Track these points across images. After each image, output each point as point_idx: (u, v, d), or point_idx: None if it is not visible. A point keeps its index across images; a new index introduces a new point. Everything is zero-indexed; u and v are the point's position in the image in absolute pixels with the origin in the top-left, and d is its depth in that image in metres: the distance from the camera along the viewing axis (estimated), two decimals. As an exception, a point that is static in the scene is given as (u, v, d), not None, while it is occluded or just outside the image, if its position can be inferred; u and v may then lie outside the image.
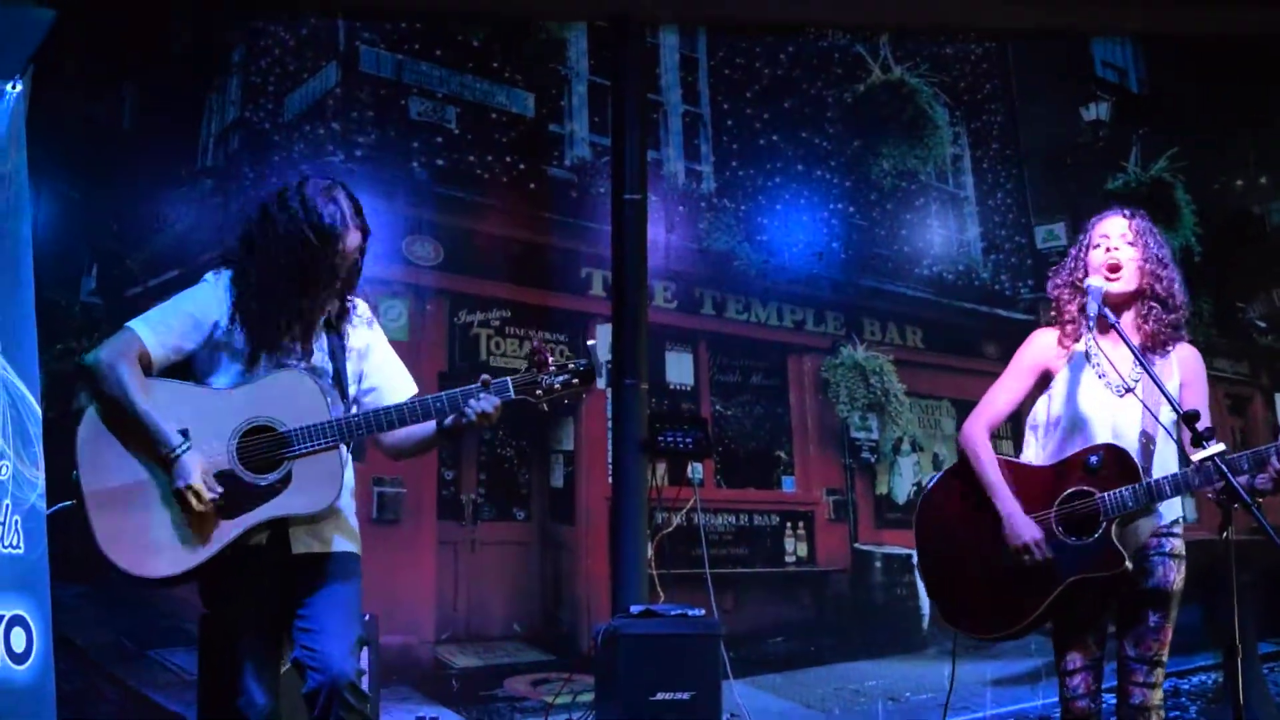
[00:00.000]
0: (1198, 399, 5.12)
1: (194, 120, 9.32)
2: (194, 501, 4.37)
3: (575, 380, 4.61)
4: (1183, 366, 5.15)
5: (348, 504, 4.77)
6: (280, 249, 4.54)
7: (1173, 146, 10.68)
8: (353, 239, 4.60)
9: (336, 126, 9.22)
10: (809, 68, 10.42)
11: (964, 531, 5.19)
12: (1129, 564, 4.94)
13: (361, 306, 4.86)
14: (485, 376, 4.57)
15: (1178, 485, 4.89)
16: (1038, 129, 10.90)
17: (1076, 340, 5.20)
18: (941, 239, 10.57)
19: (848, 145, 10.45)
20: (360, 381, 4.81)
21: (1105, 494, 4.93)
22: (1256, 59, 10.17)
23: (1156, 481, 4.91)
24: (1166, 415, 5.03)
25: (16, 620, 5.39)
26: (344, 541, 4.72)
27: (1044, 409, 5.25)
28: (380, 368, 4.86)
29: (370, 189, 8.85)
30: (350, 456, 4.75)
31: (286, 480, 4.47)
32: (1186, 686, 9.37)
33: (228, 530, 4.44)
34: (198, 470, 4.39)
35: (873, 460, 10.04)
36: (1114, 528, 4.93)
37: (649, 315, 8.64)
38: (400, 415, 4.58)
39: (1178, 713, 9.16)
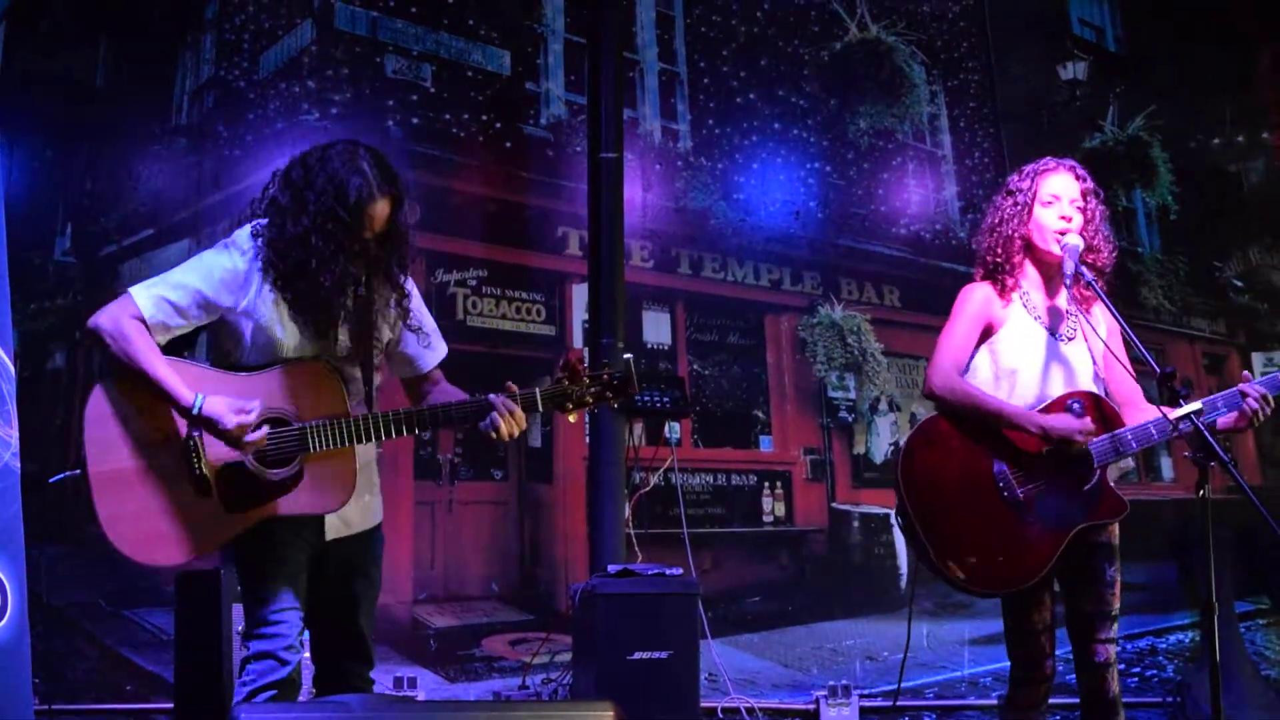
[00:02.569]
0: (1121, 349, 5.20)
1: (168, 78, 9.27)
2: (238, 433, 4.29)
3: (609, 394, 4.46)
4: (1107, 319, 5.18)
5: (372, 481, 4.78)
6: (306, 223, 4.38)
7: (1150, 105, 10.68)
8: (380, 209, 4.43)
9: (312, 84, 9.16)
10: (785, 26, 10.39)
11: (958, 487, 5.04)
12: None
13: (408, 282, 4.75)
14: (511, 385, 4.44)
15: (1164, 429, 4.89)
16: (1015, 87, 10.88)
17: (1015, 293, 5.18)
18: (919, 198, 10.55)
19: (824, 104, 10.43)
20: (388, 347, 4.73)
21: (1098, 440, 4.94)
22: (1233, 17, 10.17)
23: (1144, 426, 4.93)
24: (1100, 363, 5.10)
25: (-9, 580, 5.36)
26: (370, 518, 4.76)
27: (987, 363, 5.18)
28: (413, 333, 4.77)
29: (345, 147, 8.80)
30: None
31: (298, 477, 4.37)
32: (1164, 645, 9.41)
33: (233, 526, 4.38)
34: (228, 411, 4.29)
35: (850, 420, 10.04)
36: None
37: (626, 274, 8.61)
38: (421, 421, 4.48)
39: (1155, 671, 9.20)
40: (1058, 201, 5.12)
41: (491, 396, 4.42)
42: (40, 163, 8.85)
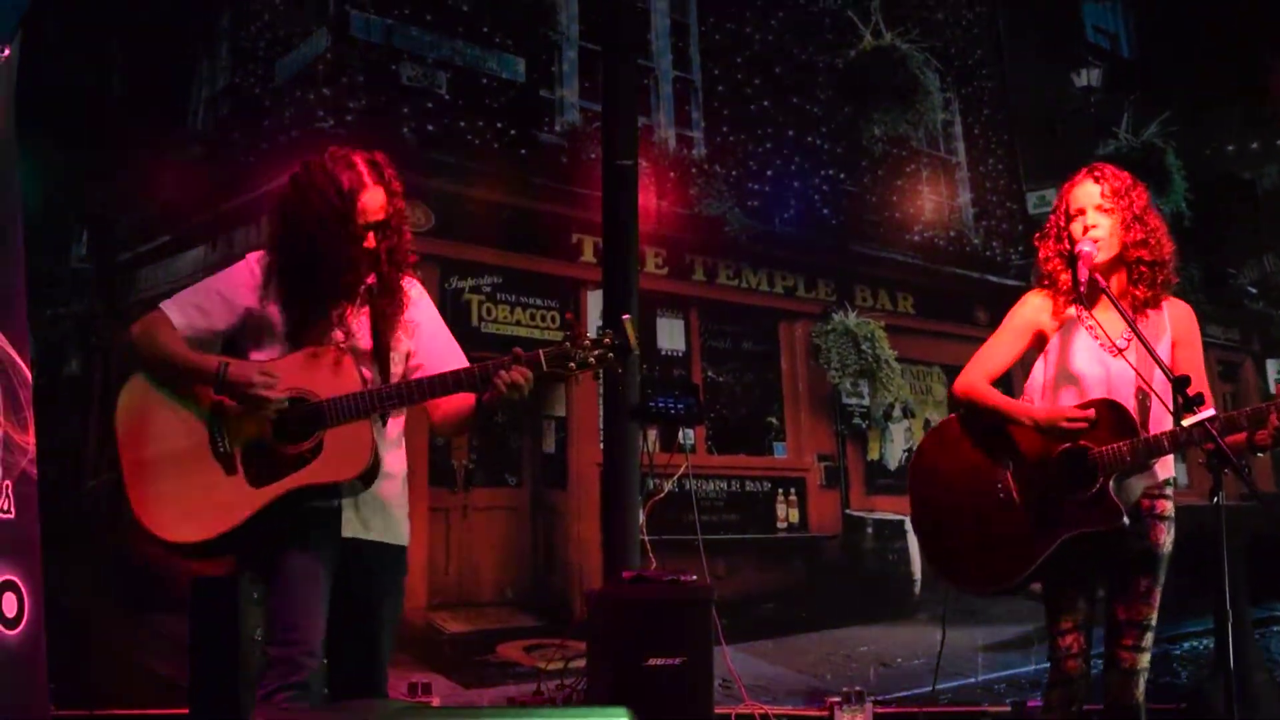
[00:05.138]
0: (1192, 356, 5.11)
1: (184, 85, 9.29)
2: (264, 393, 4.40)
3: (610, 355, 4.49)
4: (1175, 324, 5.13)
5: (397, 493, 4.77)
6: (308, 220, 4.51)
7: (1164, 112, 10.67)
8: (372, 197, 4.53)
9: (327, 92, 9.17)
10: (799, 33, 10.41)
11: (960, 486, 5.14)
12: (1127, 519, 4.93)
13: (413, 286, 4.79)
14: (517, 349, 4.48)
15: (1176, 440, 4.87)
16: (1029, 94, 10.89)
17: (1069, 307, 5.17)
18: (933, 205, 10.57)
19: (839, 111, 10.44)
20: (408, 360, 4.75)
21: (1104, 449, 4.92)
22: (1247, 24, 10.16)
23: (1155, 436, 4.89)
24: (1159, 374, 5.01)
25: (7, 585, 5.39)
26: (393, 533, 4.74)
27: (1040, 372, 5.23)
28: (428, 344, 4.79)
29: (361, 155, 8.80)
30: (399, 440, 4.78)
31: (317, 450, 4.44)
32: (1178, 652, 9.39)
33: (256, 499, 4.43)
34: (253, 372, 4.42)
35: (864, 426, 10.04)
36: (1111, 483, 4.92)
37: (640, 281, 8.61)
38: (432, 387, 4.52)
39: (1169, 678, 9.18)
40: (1082, 214, 5.10)
41: (498, 360, 4.49)
42: (56, 170, 8.86)
